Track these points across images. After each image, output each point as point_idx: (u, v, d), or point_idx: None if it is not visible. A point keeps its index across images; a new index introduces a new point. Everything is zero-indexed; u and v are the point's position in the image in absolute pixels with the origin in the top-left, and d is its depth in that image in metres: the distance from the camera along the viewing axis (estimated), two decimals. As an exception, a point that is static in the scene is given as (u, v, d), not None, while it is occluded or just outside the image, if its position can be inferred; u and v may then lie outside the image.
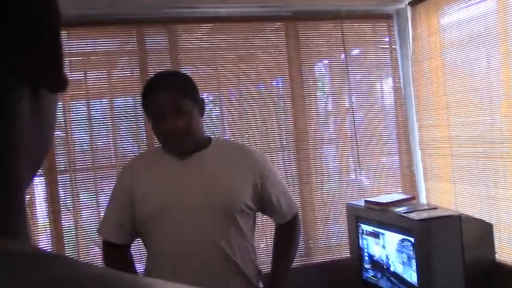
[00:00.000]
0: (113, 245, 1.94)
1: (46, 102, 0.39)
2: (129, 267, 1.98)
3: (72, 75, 2.95)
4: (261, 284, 1.98)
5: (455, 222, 2.44)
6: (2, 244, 0.32)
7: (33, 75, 0.36)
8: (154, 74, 1.98)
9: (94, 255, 2.95)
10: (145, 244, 1.95)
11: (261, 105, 3.24)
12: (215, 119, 3.13)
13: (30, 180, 0.39)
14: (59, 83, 0.38)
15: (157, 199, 1.83)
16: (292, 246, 2.07)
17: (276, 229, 2.09)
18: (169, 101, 1.78)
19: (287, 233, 2.06)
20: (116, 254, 1.95)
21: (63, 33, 2.88)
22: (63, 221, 2.88)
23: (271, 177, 1.96)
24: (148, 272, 1.93)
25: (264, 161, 1.99)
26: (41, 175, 2.89)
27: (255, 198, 1.91)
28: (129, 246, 1.99)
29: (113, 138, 3.01)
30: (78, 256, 2.89)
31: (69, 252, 2.89)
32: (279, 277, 2.01)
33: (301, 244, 3.08)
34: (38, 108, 0.38)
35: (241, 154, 1.95)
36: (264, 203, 1.95)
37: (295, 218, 2.06)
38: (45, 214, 2.90)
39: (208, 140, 1.93)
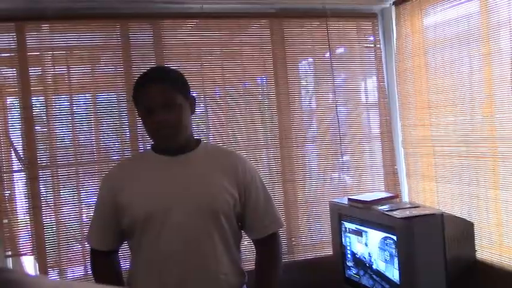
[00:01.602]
0: (99, 252, 1.95)
1: None
2: (116, 272, 2.00)
3: (55, 69, 2.91)
4: (245, 287, 1.98)
5: (438, 220, 2.46)
6: None
7: None
8: (148, 69, 1.98)
9: (74, 252, 2.92)
10: (131, 247, 1.95)
11: (245, 102, 3.23)
12: (199, 116, 3.11)
13: None
14: None
15: (145, 203, 1.83)
16: (276, 263, 2.01)
17: (256, 251, 2.03)
18: (162, 93, 1.78)
19: (269, 251, 2.00)
20: (103, 260, 1.97)
21: (45, 27, 2.84)
22: (43, 217, 2.84)
23: (255, 187, 1.95)
24: (131, 275, 1.93)
25: (251, 170, 1.98)
26: (22, 170, 2.85)
27: (240, 204, 1.91)
28: (117, 251, 2.01)
29: (96, 134, 2.98)
30: (59, 252, 2.86)
31: (49, 248, 2.85)
32: None
33: (284, 242, 3.09)
34: None
35: (230, 160, 1.95)
36: (246, 211, 1.94)
37: (275, 235, 2.02)
38: (25, 210, 2.85)
39: (197, 142, 1.94)
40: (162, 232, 1.80)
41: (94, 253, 1.99)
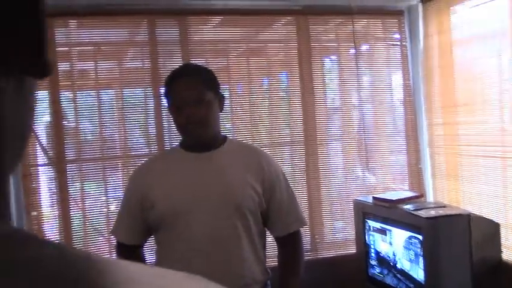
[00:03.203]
0: (125, 246, 1.97)
1: (29, 85, 0.38)
2: None
3: (82, 65, 2.94)
4: (269, 283, 1.99)
5: (464, 220, 2.44)
6: None
7: (16, 57, 0.35)
8: (179, 65, 2.01)
9: (100, 244, 2.96)
10: (157, 243, 1.97)
11: (270, 99, 3.23)
12: (224, 112, 3.12)
13: (13, 167, 0.39)
14: (42, 68, 0.37)
15: (171, 199, 1.85)
16: (299, 261, 2.02)
17: (279, 249, 2.04)
18: (191, 89, 1.81)
19: (291, 249, 2.01)
20: (128, 254, 1.99)
21: (74, 23, 2.87)
22: (70, 210, 2.88)
23: (279, 185, 1.96)
24: None
25: (276, 168, 1.99)
26: (47, 164, 2.90)
27: (264, 202, 1.92)
28: (142, 246, 2.03)
29: (122, 129, 3.01)
30: (85, 244, 2.90)
31: (76, 241, 2.89)
32: None
33: (307, 239, 3.09)
34: (21, 91, 0.37)
35: (255, 157, 1.96)
36: (269, 209, 1.95)
37: (297, 234, 2.02)
38: (53, 203, 2.90)
39: (224, 139, 1.95)
40: (188, 228, 1.82)
41: (120, 247, 2.01)
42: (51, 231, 2.89)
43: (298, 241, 2.04)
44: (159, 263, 1.96)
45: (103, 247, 2.96)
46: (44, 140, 2.89)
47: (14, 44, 0.35)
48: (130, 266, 0.33)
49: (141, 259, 2.03)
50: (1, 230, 0.32)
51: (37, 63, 0.36)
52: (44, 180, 2.94)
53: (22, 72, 0.36)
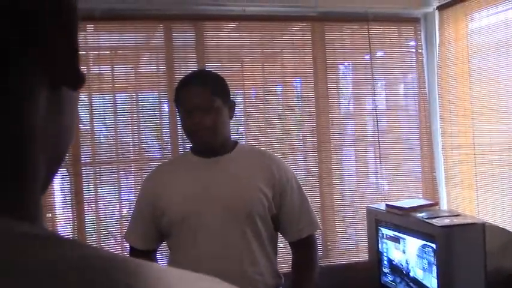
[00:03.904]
0: (138, 251, 1.99)
1: (65, 95, 0.39)
2: None
3: (99, 68, 2.97)
4: None
5: (479, 230, 2.42)
6: (9, 225, 0.32)
7: (50, 66, 0.36)
8: (189, 72, 2.02)
9: (113, 246, 2.98)
10: (169, 247, 1.98)
11: (284, 104, 3.24)
12: (237, 117, 3.13)
13: (51, 172, 0.39)
14: (76, 78, 0.38)
15: (182, 204, 1.86)
16: (313, 266, 2.00)
17: (292, 253, 2.03)
18: (200, 95, 1.82)
19: (305, 254, 2.00)
20: (141, 259, 1.98)
21: (91, 27, 2.90)
22: (85, 212, 2.91)
23: (291, 190, 1.95)
24: None
25: (287, 171, 1.98)
26: (65, 167, 2.93)
27: (275, 206, 1.91)
28: (155, 250, 2.04)
29: (137, 133, 3.03)
30: (99, 246, 2.91)
31: (90, 242, 2.91)
32: None
33: (319, 246, 3.08)
34: (57, 101, 0.38)
35: (266, 161, 1.96)
36: (281, 213, 1.94)
37: (311, 238, 2.01)
38: (67, 205, 2.93)
39: (234, 144, 1.95)
40: (198, 234, 1.83)
41: (133, 252, 2.02)
42: (64, 233, 2.92)
43: (311, 245, 2.02)
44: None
45: (116, 250, 2.98)
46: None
47: (45, 54, 0.35)
48: (166, 270, 0.34)
49: None
50: (40, 231, 0.33)
51: (68, 74, 0.37)
52: (59, 182, 2.96)
53: (54, 82, 0.37)
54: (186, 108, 1.84)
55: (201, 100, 1.81)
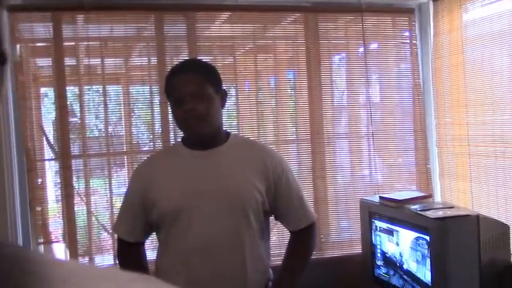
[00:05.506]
0: (126, 243, 1.97)
1: None
2: (142, 263, 2.01)
3: (89, 60, 2.93)
4: (270, 285, 1.97)
5: (473, 222, 2.40)
6: None
7: None
8: (180, 61, 2.00)
9: (104, 240, 2.96)
10: (159, 240, 1.96)
11: (277, 96, 3.20)
12: (230, 109, 3.10)
13: None
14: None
15: (173, 197, 1.83)
16: (304, 252, 2.00)
17: (290, 238, 2.04)
18: (192, 83, 1.79)
19: (300, 240, 2.01)
20: (130, 251, 1.99)
21: (80, 18, 2.86)
22: (75, 206, 2.87)
23: (285, 181, 1.93)
24: (159, 267, 1.94)
25: (281, 162, 1.97)
26: (53, 159, 2.89)
27: (269, 199, 1.89)
28: (144, 243, 2.02)
29: (128, 125, 2.99)
30: (89, 240, 2.89)
31: (80, 237, 2.88)
32: (286, 276, 1.96)
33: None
34: None
35: (259, 153, 1.94)
36: (277, 205, 1.93)
37: (311, 227, 2.02)
38: (57, 198, 2.90)
39: (227, 136, 1.93)
40: (190, 227, 1.81)
41: (121, 243, 2.01)
42: (55, 226, 2.89)
43: (311, 234, 2.03)
44: (159, 260, 1.95)
45: (107, 242, 2.95)
46: (50, 134, 2.88)
47: None
48: (67, 266, 0.32)
49: (142, 256, 2.02)
50: None
51: None
52: (49, 175, 2.93)
53: None
54: (178, 96, 1.81)
55: (194, 87, 1.78)
